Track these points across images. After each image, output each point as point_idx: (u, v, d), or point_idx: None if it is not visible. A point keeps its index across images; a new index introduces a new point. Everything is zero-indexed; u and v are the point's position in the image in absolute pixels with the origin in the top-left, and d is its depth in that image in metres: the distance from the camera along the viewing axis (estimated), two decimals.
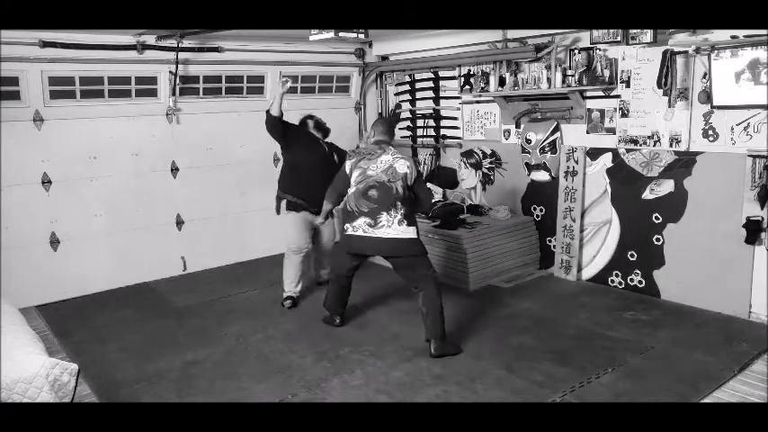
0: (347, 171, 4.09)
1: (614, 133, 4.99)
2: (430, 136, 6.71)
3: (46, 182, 5.15)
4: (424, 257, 4.05)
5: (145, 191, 5.70)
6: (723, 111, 4.30)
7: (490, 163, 6.07)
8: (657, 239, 4.84)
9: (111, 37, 5.12)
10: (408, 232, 3.98)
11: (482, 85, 5.85)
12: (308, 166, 4.86)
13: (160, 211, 5.83)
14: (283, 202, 4.94)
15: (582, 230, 5.36)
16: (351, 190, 4.04)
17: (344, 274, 4.36)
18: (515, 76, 5.48)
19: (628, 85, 4.83)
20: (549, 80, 5.18)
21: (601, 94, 5.04)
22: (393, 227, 3.93)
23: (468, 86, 6.08)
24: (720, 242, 4.44)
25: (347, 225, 4.08)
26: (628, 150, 4.93)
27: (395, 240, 3.95)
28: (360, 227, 3.99)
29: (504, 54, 5.53)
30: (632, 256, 5.04)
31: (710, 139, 4.43)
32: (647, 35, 4.37)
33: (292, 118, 5.03)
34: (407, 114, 6.93)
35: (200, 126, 5.93)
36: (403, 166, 3.99)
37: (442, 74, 6.43)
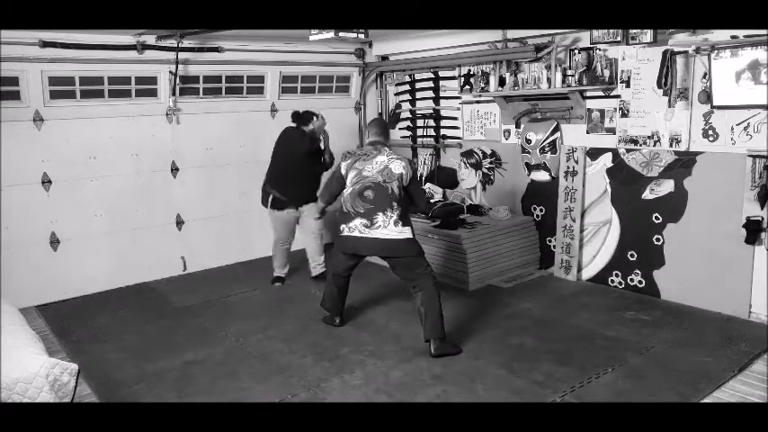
0: (342, 172, 4.10)
1: (614, 133, 4.99)
2: (430, 136, 6.71)
3: (46, 182, 5.15)
4: (420, 257, 4.05)
5: (145, 191, 5.70)
6: (723, 111, 4.30)
7: (490, 163, 6.07)
8: (657, 239, 4.84)
9: (111, 37, 5.12)
10: (404, 232, 3.98)
11: (482, 85, 5.85)
12: (304, 166, 5.19)
13: (160, 211, 5.82)
14: (270, 198, 5.24)
15: (582, 230, 5.36)
16: (347, 191, 4.05)
17: (341, 274, 4.36)
18: (515, 76, 5.48)
19: (628, 85, 4.83)
20: (549, 80, 5.18)
21: (601, 94, 5.04)
22: (389, 227, 3.93)
23: (468, 86, 6.07)
24: (720, 242, 4.44)
25: (343, 226, 4.08)
26: (628, 150, 4.92)
27: (391, 241, 3.95)
28: (356, 227, 3.99)
29: (504, 54, 5.53)
30: (632, 256, 5.04)
31: (710, 139, 4.43)
32: (647, 35, 4.36)
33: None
34: (407, 114, 6.94)
35: (200, 126, 5.93)
36: (398, 167, 4.00)
37: (442, 74, 6.43)
